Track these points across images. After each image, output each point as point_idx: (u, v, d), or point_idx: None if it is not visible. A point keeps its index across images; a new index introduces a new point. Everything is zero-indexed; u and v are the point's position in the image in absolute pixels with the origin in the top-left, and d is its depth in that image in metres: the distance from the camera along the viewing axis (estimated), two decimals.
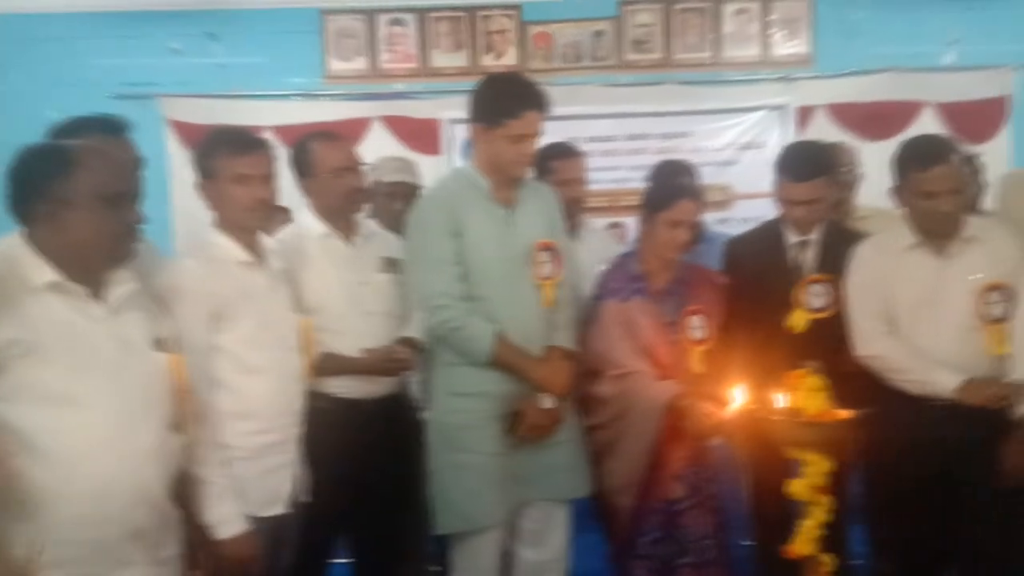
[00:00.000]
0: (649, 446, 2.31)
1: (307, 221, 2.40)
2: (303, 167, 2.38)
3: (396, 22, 4.94)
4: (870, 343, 2.32)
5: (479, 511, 2.28)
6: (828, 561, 2.03)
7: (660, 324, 2.39)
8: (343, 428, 2.22)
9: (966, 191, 2.24)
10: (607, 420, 2.41)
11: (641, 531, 2.39)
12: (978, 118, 4.81)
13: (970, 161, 3.09)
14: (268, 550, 1.95)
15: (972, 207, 2.55)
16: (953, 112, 4.78)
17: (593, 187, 3.41)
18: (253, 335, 1.96)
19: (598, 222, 3.51)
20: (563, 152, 3.01)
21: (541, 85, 2.31)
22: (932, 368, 2.22)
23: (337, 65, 4.92)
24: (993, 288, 2.16)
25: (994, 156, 4.75)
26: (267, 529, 1.95)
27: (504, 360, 2.23)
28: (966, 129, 4.62)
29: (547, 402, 2.26)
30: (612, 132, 4.86)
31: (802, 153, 2.64)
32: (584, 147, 3.34)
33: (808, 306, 2.41)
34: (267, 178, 2.02)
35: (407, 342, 2.36)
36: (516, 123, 2.20)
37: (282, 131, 4.68)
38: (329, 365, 2.24)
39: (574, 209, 2.86)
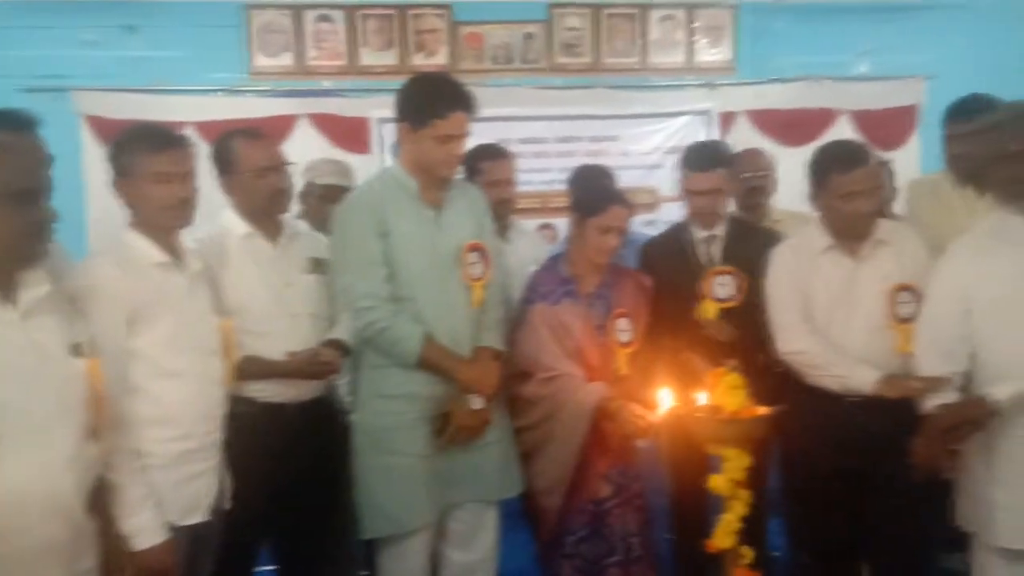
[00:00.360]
0: (577, 447, 2.34)
1: (229, 220, 2.34)
2: (225, 165, 2.32)
3: (323, 18, 4.87)
4: (792, 340, 2.40)
5: (406, 514, 2.26)
6: (747, 553, 2.09)
7: (589, 327, 2.42)
8: (266, 433, 2.18)
9: (874, 197, 2.31)
10: (536, 422, 2.42)
11: (569, 530, 2.42)
12: (890, 126, 5.04)
13: (883, 166, 3.26)
14: (189, 559, 1.90)
15: (883, 211, 2.66)
16: (866, 120, 5.00)
17: (523, 189, 3.43)
18: (171, 338, 1.90)
19: (528, 223, 3.53)
20: (492, 153, 3.02)
21: (469, 86, 2.30)
22: (853, 364, 2.30)
23: (262, 61, 4.82)
24: (902, 289, 2.26)
25: (904, 163, 5.00)
26: (187, 538, 1.89)
27: (431, 361, 2.22)
28: (878, 136, 4.83)
29: (476, 403, 2.26)
30: (542, 134, 4.89)
31: (703, 147, 2.87)
32: (514, 149, 3.36)
33: (715, 296, 2.50)
34: (187, 176, 1.96)
35: (334, 344, 2.33)
36: (443, 123, 2.19)
37: (204, 127, 4.55)
38: (252, 369, 2.19)
39: (504, 210, 2.88)
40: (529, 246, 3.07)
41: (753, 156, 3.28)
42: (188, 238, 2.27)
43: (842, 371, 2.30)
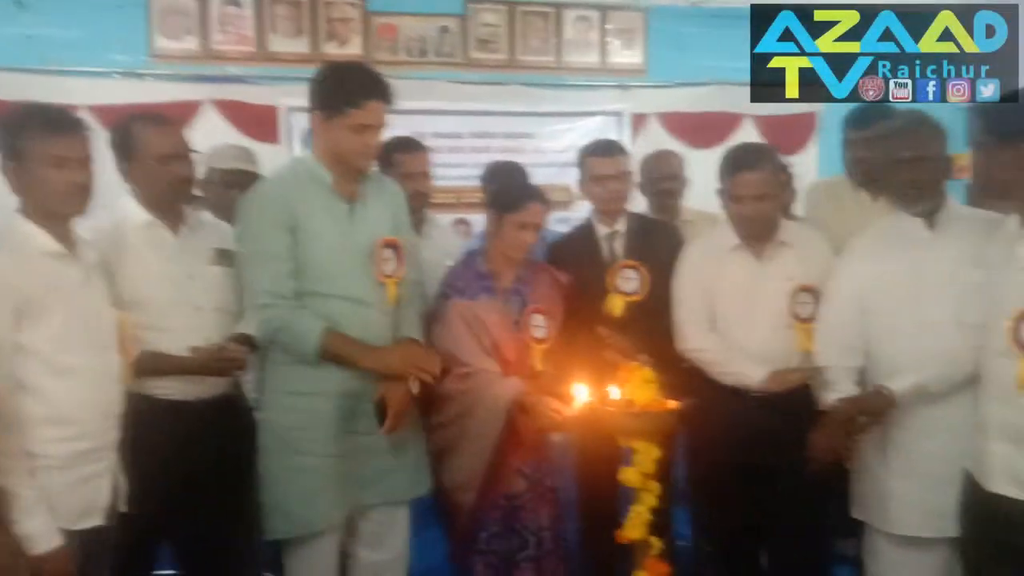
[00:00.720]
0: (493, 443, 2.33)
1: (128, 208, 2.21)
2: (126, 151, 2.19)
3: (231, 2, 4.70)
4: (691, 338, 2.48)
5: (313, 515, 2.20)
6: (657, 544, 2.14)
7: (506, 322, 2.42)
8: (167, 432, 2.07)
9: (775, 198, 2.39)
10: (451, 418, 2.41)
11: (482, 526, 2.41)
12: (790, 131, 5.25)
13: (785, 169, 3.40)
14: (83, 564, 1.79)
15: (786, 213, 2.77)
16: (769, 124, 5.19)
17: (438, 183, 3.41)
18: (64, 333, 1.78)
19: (443, 218, 3.51)
20: (407, 146, 2.98)
21: (386, 76, 2.26)
22: (743, 361, 2.39)
23: (164, 43, 4.62)
24: (803, 290, 2.35)
25: (803, 167, 5.24)
26: (83, 542, 1.79)
27: (333, 352, 2.14)
28: (780, 141, 5.00)
29: (413, 387, 2.19)
30: (458, 129, 4.89)
31: (603, 139, 3.02)
32: (429, 143, 3.34)
33: (621, 290, 2.55)
34: (85, 161, 1.84)
35: (241, 339, 2.23)
36: (358, 112, 2.13)
37: (100, 111, 4.33)
38: (152, 365, 2.08)
39: (419, 204, 2.84)
40: (445, 241, 3.05)
41: (665, 157, 3.36)
42: (83, 227, 2.15)
43: (734, 368, 2.39)
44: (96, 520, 1.84)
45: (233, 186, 2.76)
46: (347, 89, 2.14)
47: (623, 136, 5.01)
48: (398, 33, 4.89)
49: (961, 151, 2.88)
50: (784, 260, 2.41)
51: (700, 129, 5.13)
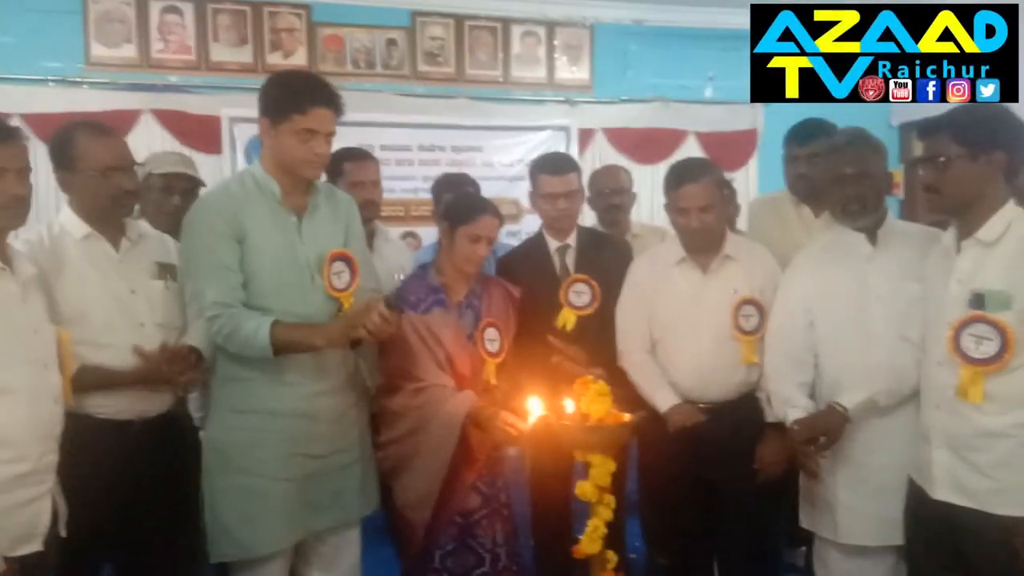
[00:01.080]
0: (447, 459, 2.30)
1: (66, 220, 2.13)
2: (65, 160, 2.10)
3: (171, 9, 4.61)
4: (625, 353, 2.52)
5: (260, 539, 2.13)
6: (612, 558, 2.13)
7: (459, 336, 2.40)
8: (108, 452, 1.99)
9: (718, 209, 2.42)
10: (403, 434, 2.36)
11: (437, 544, 2.37)
12: (732, 147, 5.38)
13: (727, 184, 3.47)
14: None
15: (730, 226, 2.82)
16: (711, 141, 5.32)
17: (386, 196, 3.37)
18: (1, 351, 1.70)
19: (392, 231, 3.48)
20: (355, 155, 2.95)
21: (334, 87, 2.22)
22: (657, 387, 2.42)
23: (100, 51, 4.50)
24: (746, 303, 2.39)
25: (744, 183, 5.37)
26: (19, 569, 1.69)
27: (286, 339, 2.05)
28: (722, 157, 5.14)
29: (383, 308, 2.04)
30: (406, 141, 4.87)
31: (554, 155, 3.05)
32: (377, 155, 3.30)
33: (572, 304, 2.57)
34: (21, 172, 1.76)
35: (187, 351, 2.15)
36: (302, 118, 2.08)
37: (34, 120, 4.20)
38: (91, 379, 1.99)
39: (369, 213, 2.80)
40: (395, 253, 3.01)
41: (613, 173, 3.40)
42: (18, 239, 2.05)
43: (648, 392, 2.43)
44: (35, 546, 1.75)
45: (173, 192, 2.71)
46: (292, 94, 2.10)
47: (571, 151, 5.06)
48: (344, 44, 4.86)
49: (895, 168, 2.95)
50: (728, 273, 2.45)
51: (645, 145, 5.23)
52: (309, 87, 2.12)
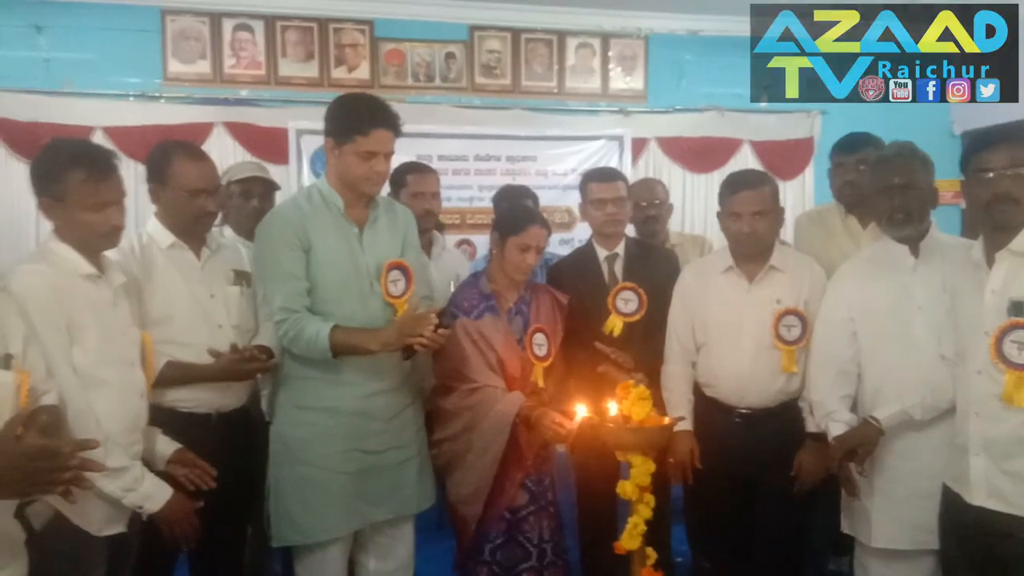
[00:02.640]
0: (498, 456, 2.41)
1: (154, 230, 2.32)
2: (158, 175, 2.30)
3: (242, 27, 4.83)
4: (667, 359, 2.60)
5: (320, 526, 2.28)
6: (652, 554, 2.21)
7: (509, 341, 2.50)
8: (189, 444, 2.14)
9: (771, 216, 2.47)
10: (456, 432, 2.48)
11: (486, 537, 2.48)
12: (788, 156, 5.36)
13: (778, 195, 3.49)
14: (110, 570, 1.89)
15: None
16: (766, 150, 5.31)
17: (443, 205, 3.51)
18: (97, 350, 1.89)
19: (448, 239, 3.61)
20: (417, 167, 3.11)
21: (390, 101, 2.35)
22: (675, 405, 2.48)
23: (177, 67, 4.75)
24: (789, 313, 2.44)
25: (799, 192, 5.36)
26: (109, 548, 1.88)
27: (345, 346, 2.20)
28: (777, 166, 5.14)
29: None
30: (462, 152, 5.00)
31: (601, 167, 3.12)
32: (434, 165, 3.45)
33: (620, 311, 2.67)
34: (120, 202, 1.97)
35: (259, 349, 2.33)
36: (364, 140, 2.22)
37: (114, 132, 4.48)
38: (175, 374, 2.19)
39: (428, 223, 2.95)
40: (453, 261, 3.14)
41: (649, 185, 3.48)
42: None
43: (667, 403, 2.49)
44: (120, 527, 1.93)
45: (252, 196, 2.90)
46: (354, 117, 2.25)
47: (624, 160, 5.13)
48: (405, 59, 5.02)
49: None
50: (773, 283, 2.49)
51: (699, 154, 5.25)
52: (371, 111, 2.26)
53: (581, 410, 2.30)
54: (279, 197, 4.10)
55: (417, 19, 4.95)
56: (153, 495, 1.95)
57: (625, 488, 2.19)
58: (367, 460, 2.32)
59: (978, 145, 1.99)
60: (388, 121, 2.27)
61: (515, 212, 2.77)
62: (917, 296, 2.22)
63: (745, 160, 5.29)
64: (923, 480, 2.13)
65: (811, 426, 2.42)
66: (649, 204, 3.31)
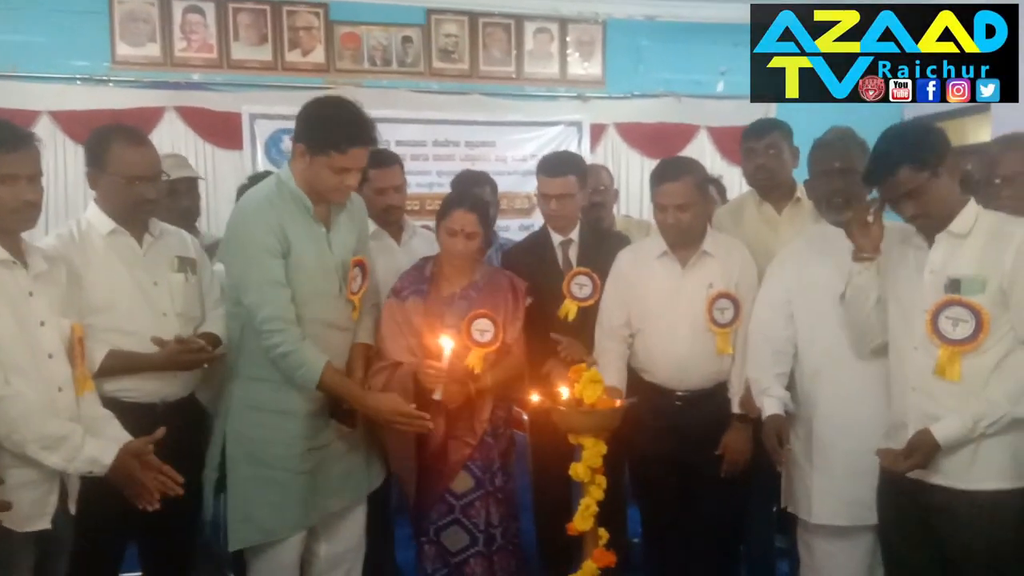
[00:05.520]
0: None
1: (93, 216, 2.26)
2: (96, 160, 2.23)
3: (193, 9, 4.74)
4: (598, 337, 2.62)
5: (282, 524, 2.27)
6: (604, 535, 2.24)
7: (432, 324, 2.47)
8: (134, 434, 2.06)
9: (695, 208, 2.48)
10: None
11: (427, 517, 2.51)
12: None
13: (715, 182, 3.52)
14: (41, 564, 1.84)
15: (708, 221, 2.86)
16: (723, 135, 5.34)
17: None
18: (10, 338, 1.80)
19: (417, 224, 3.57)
20: (380, 160, 2.94)
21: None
22: (608, 373, 2.45)
23: (125, 50, 4.64)
24: (722, 296, 2.49)
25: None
26: (37, 543, 1.82)
27: (332, 388, 2.22)
28: (734, 151, 5.14)
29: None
30: (421, 137, 4.97)
31: (556, 155, 3.05)
32: (393, 150, 3.41)
33: (574, 296, 2.69)
34: (34, 177, 1.86)
35: (205, 337, 2.31)
36: (341, 157, 2.16)
37: (61, 117, 4.38)
38: (118, 363, 2.14)
39: (393, 216, 2.89)
40: (424, 246, 2.96)
41: (595, 171, 3.45)
42: (51, 234, 2.21)
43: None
44: (43, 524, 1.85)
45: (180, 195, 2.89)
46: (334, 133, 2.16)
47: (583, 145, 5.14)
48: (361, 42, 4.97)
49: None
50: (706, 268, 2.53)
51: (657, 139, 5.28)
52: (351, 128, 2.18)
53: (447, 344, 2.31)
54: (232, 183, 4.04)
55: (373, 2, 4.91)
56: (98, 458, 1.84)
57: (577, 470, 2.21)
58: (320, 455, 2.32)
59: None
60: (367, 138, 2.21)
61: (447, 197, 2.75)
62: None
63: (702, 146, 5.34)
64: (860, 457, 2.18)
65: (736, 407, 2.49)
66: (594, 190, 3.29)
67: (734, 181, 4.70)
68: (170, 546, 2.41)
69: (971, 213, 1.98)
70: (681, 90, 5.34)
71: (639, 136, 5.29)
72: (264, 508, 2.24)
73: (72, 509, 1.95)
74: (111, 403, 2.09)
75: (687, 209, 2.45)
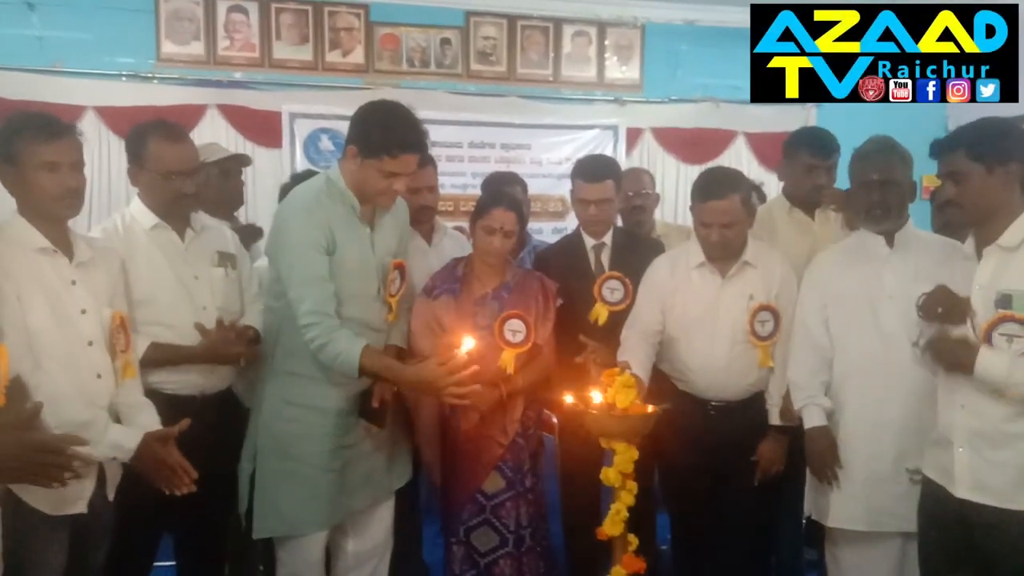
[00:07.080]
0: (435, 428, 2.44)
1: (137, 211, 2.31)
2: (135, 157, 2.28)
3: (236, 9, 4.81)
4: (624, 340, 2.56)
5: (307, 518, 2.29)
6: (634, 541, 2.22)
7: (463, 323, 2.46)
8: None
9: (741, 224, 2.45)
10: (413, 407, 2.54)
11: (458, 517, 2.51)
12: (780, 148, 5.32)
13: (757, 189, 3.48)
14: (73, 550, 1.86)
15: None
16: (760, 141, 5.30)
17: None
18: (48, 326, 1.85)
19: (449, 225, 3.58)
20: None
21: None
22: (634, 364, 2.41)
23: (170, 48, 4.72)
24: (763, 309, 2.45)
25: None
26: (72, 527, 1.85)
27: (374, 371, 2.21)
28: (771, 157, 5.11)
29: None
30: (456, 139, 4.98)
31: (593, 159, 3.04)
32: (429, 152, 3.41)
33: (606, 300, 2.67)
34: (76, 165, 1.91)
35: (245, 330, 2.34)
36: (392, 161, 2.17)
37: (105, 112, 4.46)
38: (160, 355, 2.18)
39: (426, 216, 2.91)
40: (454, 246, 3.00)
41: (635, 175, 3.46)
42: (96, 228, 2.26)
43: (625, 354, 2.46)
44: (79, 508, 1.87)
45: (230, 174, 2.88)
46: (387, 137, 2.17)
47: (618, 150, 5.12)
48: (400, 43, 5.00)
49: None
50: (746, 279, 2.50)
51: (693, 144, 5.24)
52: (405, 134, 2.19)
53: (468, 343, 2.24)
54: (271, 181, 4.09)
55: (412, 4, 4.93)
56: (122, 443, 1.85)
57: (608, 475, 2.20)
58: (347, 454, 2.33)
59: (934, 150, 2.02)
60: (419, 145, 2.22)
61: (483, 196, 2.76)
62: (888, 285, 2.25)
63: (739, 152, 5.30)
64: (882, 463, 2.16)
65: (774, 419, 2.47)
66: (636, 194, 3.29)
67: (771, 188, 4.65)
68: (205, 538, 2.45)
69: (1022, 226, 1.92)
70: (719, 95, 5.29)
71: (676, 141, 5.26)
72: (290, 502, 2.27)
73: (110, 495, 1.98)
74: (152, 394, 2.13)
75: (733, 227, 2.43)
